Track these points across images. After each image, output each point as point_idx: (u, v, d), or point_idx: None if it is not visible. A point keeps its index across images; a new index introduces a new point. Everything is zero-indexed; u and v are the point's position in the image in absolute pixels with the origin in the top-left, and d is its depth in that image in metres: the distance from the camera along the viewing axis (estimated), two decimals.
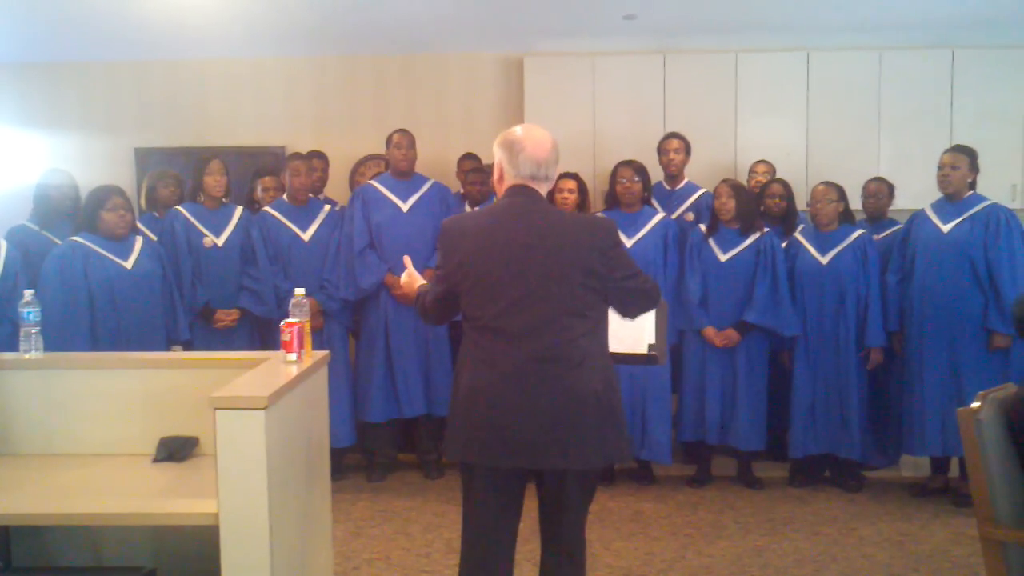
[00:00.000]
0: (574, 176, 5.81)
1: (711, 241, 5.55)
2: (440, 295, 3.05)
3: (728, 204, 5.47)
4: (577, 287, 2.90)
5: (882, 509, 5.23)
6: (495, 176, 3.07)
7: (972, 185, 5.33)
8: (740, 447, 5.57)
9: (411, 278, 3.34)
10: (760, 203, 5.78)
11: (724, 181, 5.64)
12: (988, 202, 5.28)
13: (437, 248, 3.07)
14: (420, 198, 5.72)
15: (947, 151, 5.33)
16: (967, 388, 5.04)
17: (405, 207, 5.67)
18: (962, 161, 5.24)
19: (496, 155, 3.04)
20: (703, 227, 5.63)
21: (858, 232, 5.48)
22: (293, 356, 3.22)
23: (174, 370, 3.48)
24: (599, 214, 5.65)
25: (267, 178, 6.00)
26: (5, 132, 7.31)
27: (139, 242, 4.95)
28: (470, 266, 2.94)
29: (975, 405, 3.06)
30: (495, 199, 3.18)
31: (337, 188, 6.78)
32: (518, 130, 3.04)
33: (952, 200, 5.30)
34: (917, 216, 5.48)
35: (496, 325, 2.89)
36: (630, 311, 3.11)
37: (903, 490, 5.54)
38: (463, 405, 2.95)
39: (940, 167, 5.29)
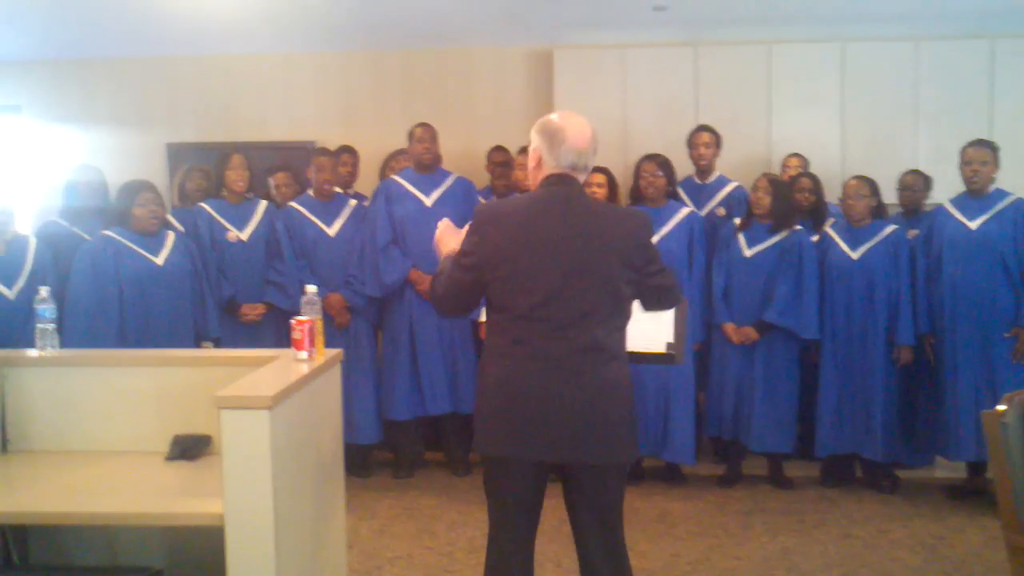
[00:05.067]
0: (603, 170, 5.73)
1: (740, 235, 5.46)
2: (466, 283, 2.95)
3: (764, 199, 5.38)
4: (617, 279, 2.87)
5: (915, 511, 5.12)
6: (531, 163, 3.00)
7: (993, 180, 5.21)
8: (752, 448, 5.47)
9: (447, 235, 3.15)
10: (790, 197, 5.65)
11: (764, 175, 5.56)
12: (1013, 197, 5.16)
13: (468, 233, 2.95)
14: (444, 192, 5.66)
15: (971, 146, 5.17)
16: (1002, 389, 4.87)
17: (429, 201, 5.62)
18: (990, 155, 5.13)
19: (534, 142, 2.97)
20: (737, 220, 5.54)
21: (890, 228, 5.36)
22: (304, 354, 3.19)
23: (188, 368, 3.47)
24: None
25: (279, 174, 6.00)
26: (40, 129, 7.40)
27: (171, 238, 4.96)
28: (506, 255, 2.86)
29: (1000, 408, 2.96)
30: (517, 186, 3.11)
31: (367, 182, 6.75)
32: (558, 118, 2.97)
33: (976, 196, 5.17)
34: (938, 213, 5.37)
35: (534, 315, 2.83)
36: (654, 306, 3.09)
37: (938, 491, 5.42)
38: (495, 397, 2.89)
39: (968, 162, 5.15)
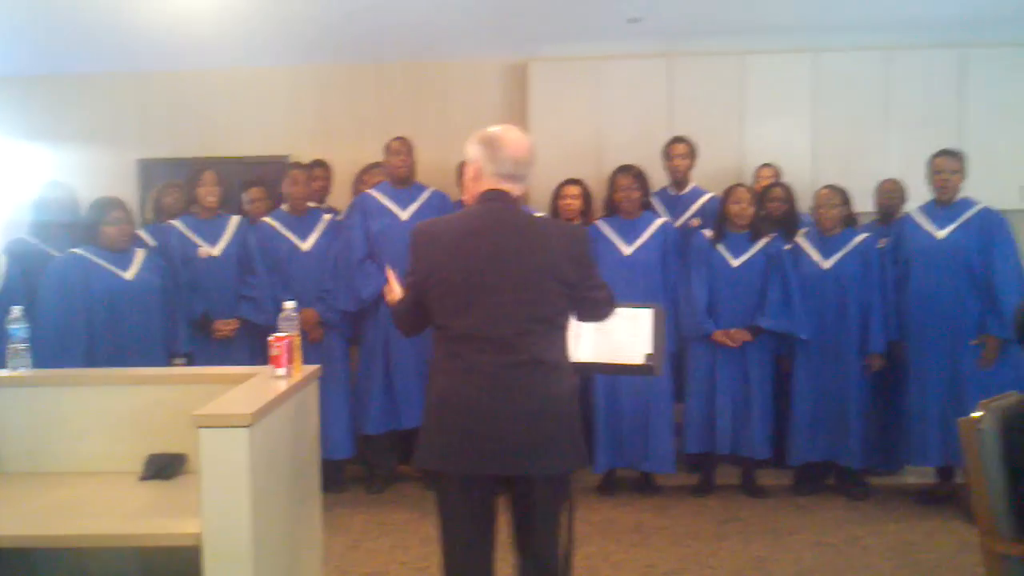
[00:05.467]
0: (578, 182, 5.76)
1: (720, 247, 5.46)
2: (411, 303, 3.00)
3: (748, 210, 5.41)
4: (552, 295, 2.89)
5: (887, 517, 5.16)
6: (469, 175, 3.01)
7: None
8: (755, 456, 5.47)
9: (394, 293, 3.23)
10: (762, 207, 5.69)
11: (742, 186, 5.58)
12: (980, 205, 5.23)
13: (408, 253, 2.99)
14: (420, 206, 5.64)
15: (940, 155, 5.25)
16: (968, 396, 4.96)
17: (404, 215, 5.60)
18: (959, 164, 5.21)
19: (471, 153, 2.98)
20: (707, 232, 5.54)
21: (861, 236, 5.41)
22: (282, 371, 3.18)
23: (162, 386, 3.44)
24: (599, 220, 5.60)
25: (254, 189, 5.98)
26: (8, 145, 7.32)
27: (140, 254, 4.93)
28: (444, 274, 2.89)
29: (976, 414, 2.99)
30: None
31: (341, 197, 6.74)
32: (496, 128, 2.99)
33: (944, 205, 5.23)
34: (906, 222, 5.43)
35: (472, 333, 2.85)
36: (588, 318, 3.12)
37: (908, 497, 5.47)
38: (436, 412, 2.91)
39: (938, 171, 5.22)
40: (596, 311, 3.08)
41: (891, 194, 5.99)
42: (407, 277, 3.00)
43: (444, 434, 2.88)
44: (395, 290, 3.18)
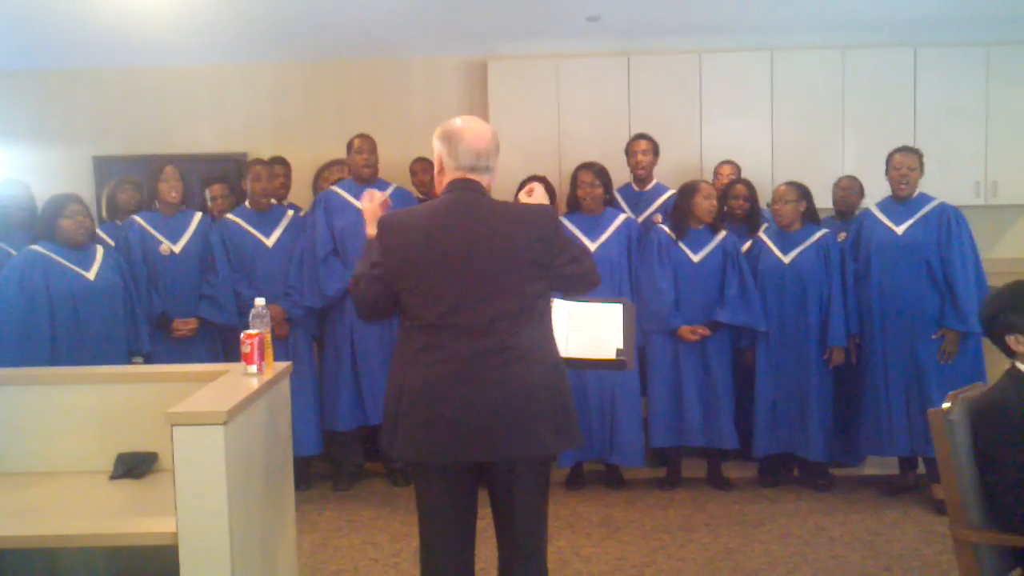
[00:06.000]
0: (541, 179, 5.76)
1: (681, 243, 5.49)
2: (378, 292, 2.95)
3: (716, 205, 5.47)
4: (524, 280, 2.89)
5: (852, 508, 5.22)
6: (435, 169, 3.03)
7: None
8: (725, 446, 5.50)
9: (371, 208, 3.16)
10: (724, 204, 5.75)
11: (707, 183, 5.64)
12: (937, 201, 5.31)
13: (375, 244, 2.96)
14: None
15: (899, 152, 5.32)
16: (930, 387, 5.11)
17: None
18: (917, 161, 5.29)
19: (435, 148, 2.99)
20: (667, 229, 5.56)
21: (821, 232, 5.46)
22: (254, 368, 3.15)
23: (131, 384, 3.40)
24: (562, 217, 5.61)
25: (216, 186, 5.93)
26: None
27: (100, 252, 4.85)
28: (413, 265, 2.88)
29: (946, 405, 3.04)
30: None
31: (300, 194, 6.70)
32: (457, 121, 2.99)
33: (902, 201, 5.32)
34: (865, 217, 5.50)
35: (444, 323, 2.84)
36: (571, 293, 3.14)
37: (871, 488, 5.54)
38: (411, 403, 2.87)
39: (896, 168, 5.29)
40: (575, 285, 3.08)
41: (849, 191, 6.07)
42: (373, 268, 2.96)
43: (421, 424, 2.86)
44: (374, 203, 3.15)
